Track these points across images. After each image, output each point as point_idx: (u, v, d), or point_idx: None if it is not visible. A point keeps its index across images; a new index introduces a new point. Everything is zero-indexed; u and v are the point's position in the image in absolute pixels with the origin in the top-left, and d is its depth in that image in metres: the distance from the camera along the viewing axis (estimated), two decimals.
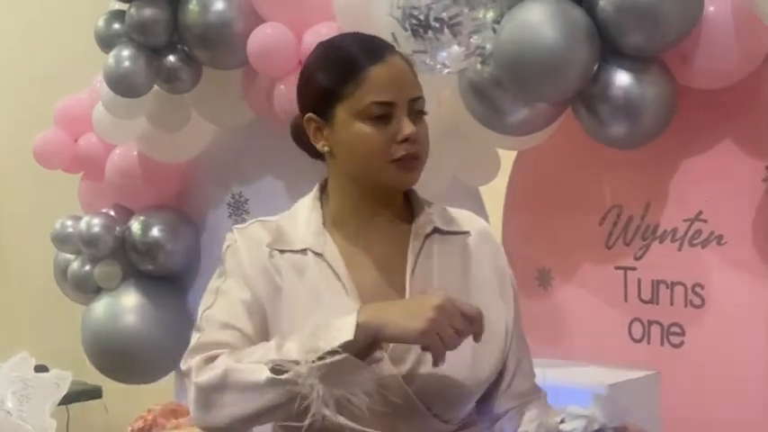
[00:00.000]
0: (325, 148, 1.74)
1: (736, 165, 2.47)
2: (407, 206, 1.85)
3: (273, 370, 1.57)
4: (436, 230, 1.82)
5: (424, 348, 1.61)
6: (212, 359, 1.68)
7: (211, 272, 4.01)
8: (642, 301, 2.68)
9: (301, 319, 1.71)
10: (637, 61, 2.39)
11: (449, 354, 1.66)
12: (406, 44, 2.36)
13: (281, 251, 1.76)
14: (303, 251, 1.76)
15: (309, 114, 1.76)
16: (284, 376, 1.55)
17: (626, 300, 2.70)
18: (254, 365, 1.61)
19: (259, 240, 1.77)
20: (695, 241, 2.58)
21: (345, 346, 1.55)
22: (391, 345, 1.70)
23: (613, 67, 2.40)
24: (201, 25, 3.00)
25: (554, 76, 2.34)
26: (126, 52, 3.09)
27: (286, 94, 2.92)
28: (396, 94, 1.70)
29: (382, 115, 1.69)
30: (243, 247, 1.79)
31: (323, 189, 1.82)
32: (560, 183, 2.80)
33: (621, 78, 2.39)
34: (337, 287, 1.72)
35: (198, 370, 1.67)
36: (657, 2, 2.27)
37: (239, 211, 3.49)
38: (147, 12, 3.06)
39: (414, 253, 1.79)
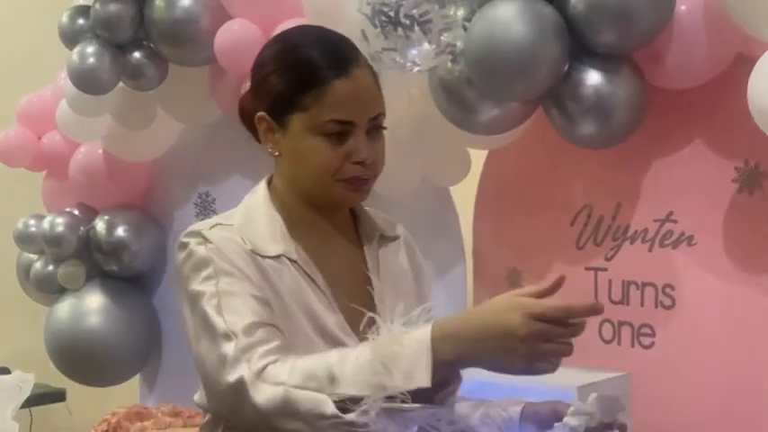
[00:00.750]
0: (276, 153, 1.72)
1: (706, 165, 2.49)
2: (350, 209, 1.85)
3: (338, 406, 1.51)
4: (382, 236, 1.83)
5: None
6: (263, 371, 1.60)
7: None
8: (612, 301, 2.69)
9: (304, 327, 1.68)
10: (608, 60, 2.40)
11: None
12: (375, 41, 2.36)
13: (262, 256, 1.71)
14: (278, 257, 1.72)
15: (261, 114, 1.72)
16: (350, 417, 1.49)
17: (597, 298, 2.71)
18: (315, 395, 1.54)
19: (236, 242, 1.71)
20: (666, 242, 2.60)
21: (419, 392, 1.47)
22: None
23: (584, 66, 2.41)
24: (168, 21, 2.99)
25: (524, 75, 2.35)
26: (90, 48, 3.07)
27: None
28: (356, 112, 1.66)
29: (339, 132, 1.66)
30: (223, 247, 1.70)
31: (270, 181, 1.79)
32: (531, 183, 2.80)
33: (592, 77, 2.40)
34: (318, 294, 1.70)
35: (253, 386, 1.59)
36: (628, 0, 2.28)
37: (206, 210, 3.47)
38: (112, 7, 3.03)
39: (372, 259, 1.79)
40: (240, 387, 1.60)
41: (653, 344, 2.59)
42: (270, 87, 1.71)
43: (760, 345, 2.40)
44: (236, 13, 2.94)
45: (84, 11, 3.16)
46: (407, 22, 2.32)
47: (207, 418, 1.81)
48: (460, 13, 2.38)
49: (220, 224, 1.74)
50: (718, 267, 2.48)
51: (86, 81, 3.09)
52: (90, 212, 3.57)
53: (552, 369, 1.48)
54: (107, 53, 3.07)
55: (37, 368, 3.70)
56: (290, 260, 1.72)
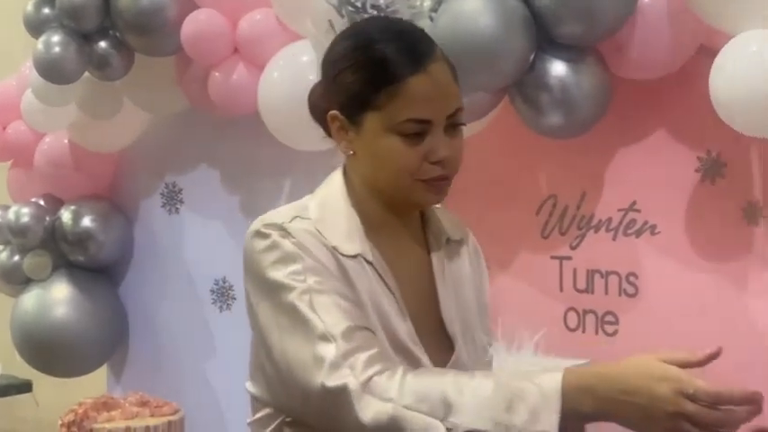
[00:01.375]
0: (350, 152, 1.66)
1: (669, 155, 2.51)
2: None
3: None
4: (448, 240, 1.79)
5: None
6: (369, 382, 1.55)
7: (144, 263, 3.99)
8: (577, 290, 2.71)
9: (374, 329, 1.62)
10: (572, 51, 2.41)
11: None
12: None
13: (341, 255, 1.66)
14: (355, 257, 1.67)
15: (334, 112, 1.65)
16: None
17: (561, 289, 2.73)
18: (428, 420, 1.51)
19: (317, 237, 1.66)
20: (629, 231, 2.62)
21: None
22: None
23: (549, 57, 2.42)
24: (134, 10, 2.98)
25: (490, 65, 2.35)
26: (56, 38, 3.06)
27: (221, 81, 2.93)
28: (435, 110, 1.60)
29: (417, 132, 1.60)
30: (307, 242, 1.65)
31: (344, 173, 1.72)
32: (497, 173, 2.81)
33: (557, 68, 2.41)
34: (390, 299, 1.65)
35: (359, 399, 1.55)
36: None
37: (173, 201, 3.47)
38: None
39: (439, 265, 1.75)
40: (342, 395, 1.55)
41: (616, 331, 2.62)
42: (343, 85, 1.64)
43: (721, 332, 2.43)
44: (202, 3, 2.94)
45: (49, 0, 3.13)
46: (374, 12, 2.32)
47: (263, 413, 1.72)
48: (427, 3, 2.38)
49: (299, 217, 1.67)
50: (680, 256, 2.51)
51: (52, 70, 3.07)
52: (56, 203, 3.56)
53: None
54: (73, 42, 3.06)
55: (3, 359, 3.69)
56: (367, 261, 1.68)
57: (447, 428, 1.46)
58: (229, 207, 3.27)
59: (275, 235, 1.63)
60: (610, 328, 2.63)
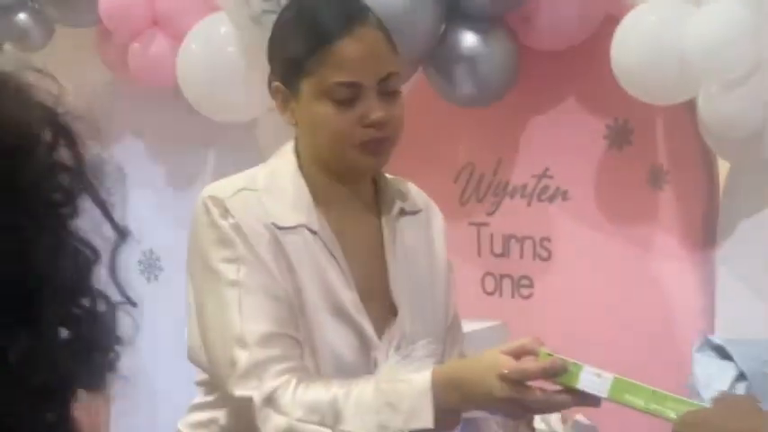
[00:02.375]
0: (293, 122, 1.67)
1: (578, 123, 2.57)
2: (373, 182, 1.78)
3: None
4: (402, 211, 1.78)
5: None
6: (272, 395, 1.60)
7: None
8: (494, 255, 2.74)
9: (316, 303, 1.64)
10: (481, 23, 2.44)
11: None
12: (256, 3, 2.37)
13: (281, 228, 1.67)
14: (297, 228, 1.68)
15: (276, 84, 1.67)
16: None
17: (479, 254, 2.76)
18: (320, 430, 1.57)
19: (257, 214, 1.67)
20: (543, 197, 2.66)
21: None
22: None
23: (459, 29, 2.44)
24: None
25: (400, 38, 2.36)
26: None
27: (141, 53, 2.93)
28: (363, 73, 1.61)
29: (348, 96, 1.61)
30: (245, 224, 1.67)
31: (295, 149, 1.73)
32: (415, 142, 2.81)
33: (467, 39, 2.44)
34: (336, 269, 1.66)
35: (261, 413, 1.60)
36: None
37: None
38: None
39: (390, 237, 1.74)
40: (248, 406, 1.59)
41: (531, 294, 2.68)
42: (280, 55, 1.68)
43: (630, 293, 2.51)
44: None
45: None
46: None
47: (206, 377, 1.76)
48: None
49: (246, 189, 1.69)
50: (590, 220, 2.57)
51: None
52: None
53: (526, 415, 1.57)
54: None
55: None
56: (311, 231, 1.68)
57: None
58: (154, 178, 3.27)
59: (216, 214, 1.64)
60: (525, 292, 2.70)
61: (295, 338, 1.63)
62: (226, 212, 1.65)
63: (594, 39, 2.44)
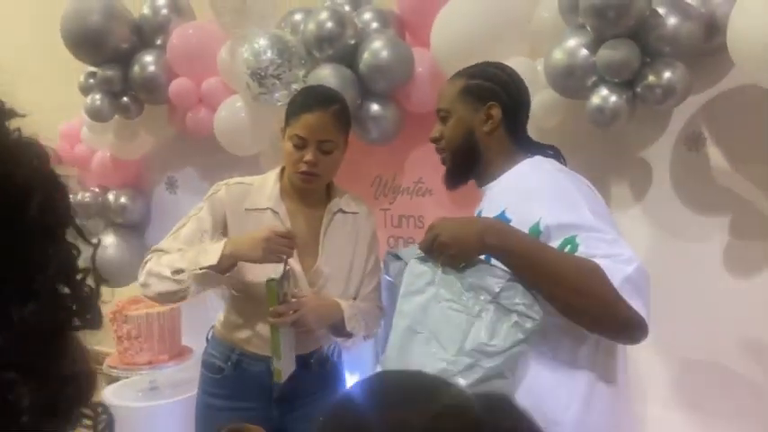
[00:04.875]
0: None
1: (433, 152, 2.56)
2: (328, 192, 1.75)
3: (172, 271, 1.55)
4: (340, 210, 1.75)
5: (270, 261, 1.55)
6: (144, 264, 1.63)
7: (157, 224, 3.90)
8: (393, 226, 2.74)
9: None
10: (381, 97, 2.44)
11: (336, 284, 1.64)
12: (255, 89, 2.36)
13: (249, 210, 1.64)
14: (266, 209, 1.65)
15: (281, 127, 1.67)
16: (176, 277, 1.53)
17: (385, 226, 2.74)
18: (163, 268, 1.57)
19: (237, 198, 1.65)
20: (419, 193, 2.67)
21: (211, 267, 1.51)
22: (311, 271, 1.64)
23: (368, 102, 2.43)
24: (142, 81, 2.93)
25: None
26: (98, 96, 3.00)
27: (193, 120, 2.90)
28: (309, 134, 1.60)
29: (299, 144, 1.60)
30: (226, 198, 1.64)
31: (283, 169, 1.72)
32: (348, 164, 2.78)
33: (373, 107, 2.44)
34: None
35: (143, 263, 1.63)
36: (389, 67, 2.32)
37: (172, 187, 3.42)
38: (110, 72, 2.94)
39: (325, 225, 1.70)
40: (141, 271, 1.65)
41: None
42: (286, 112, 1.67)
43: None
44: (180, 73, 2.90)
45: (92, 73, 3.03)
46: (273, 78, 2.34)
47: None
48: (301, 72, 2.39)
49: (242, 183, 1.68)
50: (445, 206, 2.54)
51: (96, 115, 3.00)
52: (105, 189, 3.51)
53: (279, 259, 1.53)
54: (106, 99, 2.96)
55: None
56: (274, 212, 1.66)
57: (171, 271, 1.54)
58: (199, 187, 3.18)
59: (220, 184, 1.69)
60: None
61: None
62: (222, 186, 1.68)
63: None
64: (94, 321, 0.49)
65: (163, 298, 1.62)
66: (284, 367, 1.58)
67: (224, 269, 1.54)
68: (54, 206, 0.45)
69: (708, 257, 1.99)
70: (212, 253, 1.53)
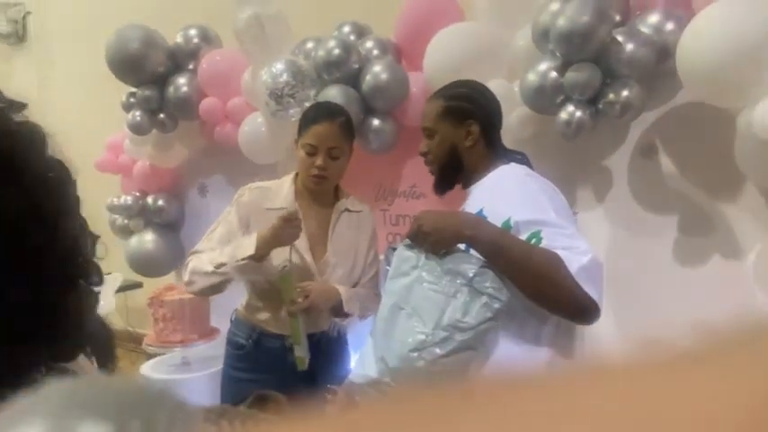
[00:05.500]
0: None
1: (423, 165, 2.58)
2: (336, 194, 1.75)
3: (215, 266, 1.55)
4: (346, 209, 1.75)
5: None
6: (190, 261, 1.61)
7: (190, 223, 3.87)
8: (392, 224, 2.73)
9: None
10: (382, 113, 2.42)
11: (342, 275, 1.63)
12: (273, 106, 2.37)
13: (269, 209, 1.65)
14: (282, 208, 1.65)
15: (295, 138, 1.66)
16: (219, 270, 1.54)
17: (385, 224, 2.73)
18: (206, 265, 1.57)
19: (258, 200, 1.65)
20: (413, 196, 2.66)
21: (249, 257, 1.51)
22: (321, 261, 1.63)
23: (370, 118, 2.42)
24: (176, 100, 2.94)
25: None
26: (138, 113, 3.01)
27: (221, 134, 2.90)
28: (319, 142, 1.57)
29: (310, 151, 1.60)
30: (248, 200, 1.65)
31: (297, 174, 1.70)
32: (354, 174, 2.79)
33: (374, 123, 2.42)
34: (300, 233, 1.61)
35: (185, 264, 1.62)
36: (388, 87, 2.29)
37: (204, 192, 3.40)
38: (148, 92, 2.96)
39: (333, 222, 1.69)
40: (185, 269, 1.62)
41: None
42: (298, 125, 1.65)
43: None
44: (209, 93, 2.90)
45: (133, 94, 3.02)
46: (287, 97, 2.34)
47: None
48: (312, 92, 2.39)
49: (261, 187, 1.68)
50: (434, 208, 2.42)
51: (138, 128, 3.00)
52: (144, 193, 3.50)
53: (288, 242, 1.53)
54: (145, 115, 2.97)
55: (123, 272, 3.63)
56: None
57: (213, 266, 1.54)
58: (227, 192, 3.12)
59: (244, 189, 1.67)
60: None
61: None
62: (246, 190, 1.68)
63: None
64: (100, 279, 0.49)
65: (204, 293, 1.63)
66: (304, 354, 1.60)
67: (260, 257, 1.56)
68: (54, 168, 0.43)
69: (660, 251, 2.02)
70: (248, 246, 1.55)
